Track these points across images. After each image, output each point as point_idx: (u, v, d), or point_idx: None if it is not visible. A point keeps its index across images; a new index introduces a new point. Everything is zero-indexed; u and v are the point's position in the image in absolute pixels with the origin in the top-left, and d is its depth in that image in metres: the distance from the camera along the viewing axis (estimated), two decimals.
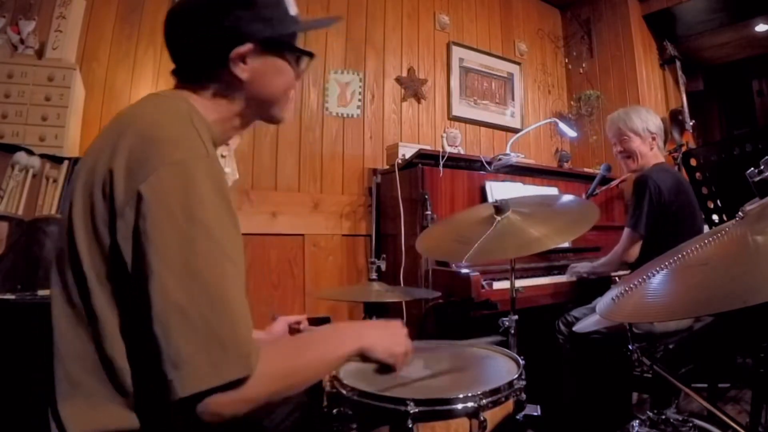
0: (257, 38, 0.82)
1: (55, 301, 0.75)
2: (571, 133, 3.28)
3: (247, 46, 0.82)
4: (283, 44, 0.87)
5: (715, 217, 1.36)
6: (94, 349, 0.71)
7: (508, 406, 0.99)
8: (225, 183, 0.72)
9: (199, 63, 0.83)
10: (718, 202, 1.34)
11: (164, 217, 0.66)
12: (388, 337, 0.89)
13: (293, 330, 1.19)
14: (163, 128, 0.73)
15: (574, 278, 2.23)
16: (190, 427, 0.69)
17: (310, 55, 0.91)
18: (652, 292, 0.81)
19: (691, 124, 3.46)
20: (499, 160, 2.53)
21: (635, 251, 1.97)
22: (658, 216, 1.92)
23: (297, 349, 0.78)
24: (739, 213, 0.84)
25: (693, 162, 1.38)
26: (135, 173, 0.68)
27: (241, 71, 0.83)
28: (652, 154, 2.11)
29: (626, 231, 1.99)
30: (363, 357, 0.85)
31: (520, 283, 2.01)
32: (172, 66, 0.87)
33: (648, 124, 2.10)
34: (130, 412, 0.71)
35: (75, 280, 0.73)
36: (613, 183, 2.91)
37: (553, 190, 2.74)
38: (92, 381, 0.71)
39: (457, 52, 3.26)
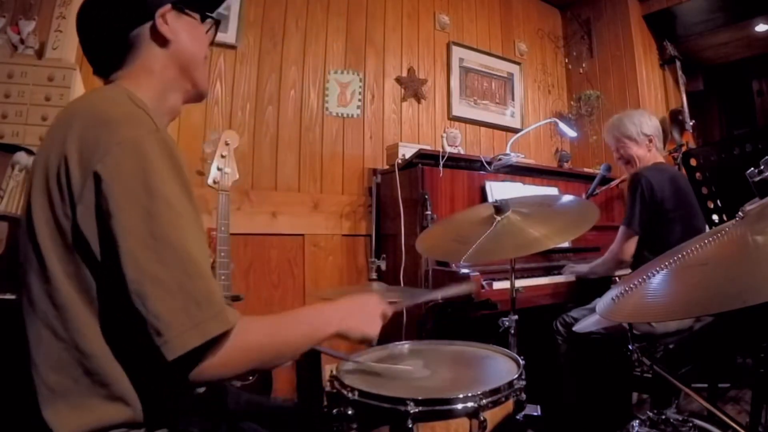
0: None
1: (24, 308, 0.76)
2: (571, 133, 3.28)
3: (167, 6, 0.86)
4: (192, 5, 0.91)
5: (715, 217, 1.36)
6: (64, 347, 0.71)
7: (508, 406, 0.99)
8: (177, 153, 0.73)
9: (120, 39, 0.85)
10: (718, 202, 1.34)
11: (125, 194, 0.67)
12: (364, 319, 0.91)
13: None
14: (108, 110, 0.74)
15: (572, 277, 2.23)
16: (176, 404, 0.73)
17: (216, 21, 0.96)
18: (652, 292, 0.81)
19: (691, 124, 3.46)
20: (499, 160, 2.53)
21: (631, 249, 1.99)
22: (652, 214, 1.93)
23: (279, 325, 0.80)
24: (739, 213, 0.84)
25: (693, 162, 1.38)
26: (89, 156, 0.69)
27: (167, 32, 0.86)
28: (650, 155, 2.12)
29: (621, 228, 2.02)
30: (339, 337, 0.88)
31: (520, 283, 2.01)
32: None
33: (642, 127, 2.11)
34: (112, 403, 0.71)
35: (40, 281, 0.73)
36: (613, 183, 2.91)
37: (553, 190, 2.74)
38: (67, 381, 0.71)
39: (457, 52, 3.26)
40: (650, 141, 2.12)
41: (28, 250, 0.75)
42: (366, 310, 0.93)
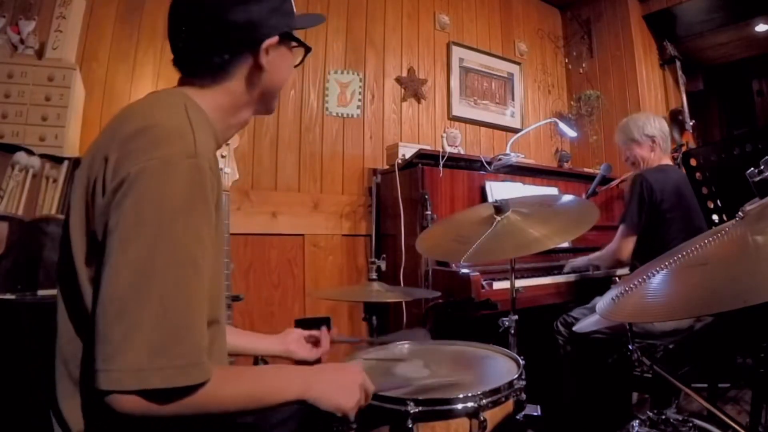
0: (279, 31, 0.86)
1: (59, 300, 0.75)
2: (571, 133, 3.28)
3: (274, 39, 0.85)
4: (293, 37, 0.90)
5: (715, 217, 1.36)
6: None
7: (508, 406, 0.99)
8: (206, 185, 0.70)
9: (217, 57, 0.82)
10: (718, 202, 1.34)
11: (133, 210, 0.64)
12: (338, 388, 0.80)
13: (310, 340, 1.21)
14: (156, 118, 0.72)
15: (572, 277, 2.24)
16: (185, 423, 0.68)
17: (309, 49, 0.95)
18: (652, 292, 0.81)
19: (691, 124, 3.46)
20: (499, 160, 2.53)
21: (628, 248, 2.01)
22: (650, 214, 1.96)
23: (240, 382, 0.73)
24: (739, 213, 0.84)
25: (693, 162, 1.38)
26: (123, 162, 0.67)
27: (266, 62, 0.85)
28: (654, 156, 2.15)
29: (619, 227, 2.06)
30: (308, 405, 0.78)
31: (520, 283, 2.01)
32: (172, 66, 0.87)
33: (645, 128, 2.16)
34: None
35: (70, 280, 0.73)
36: (613, 183, 2.91)
37: (553, 190, 2.74)
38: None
39: (457, 52, 3.26)
40: (653, 142, 2.15)
41: (65, 248, 0.74)
42: (343, 379, 0.82)
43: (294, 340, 1.19)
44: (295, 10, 0.92)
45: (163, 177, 0.66)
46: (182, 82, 0.86)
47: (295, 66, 0.95)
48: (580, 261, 2.32)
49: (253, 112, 0.92)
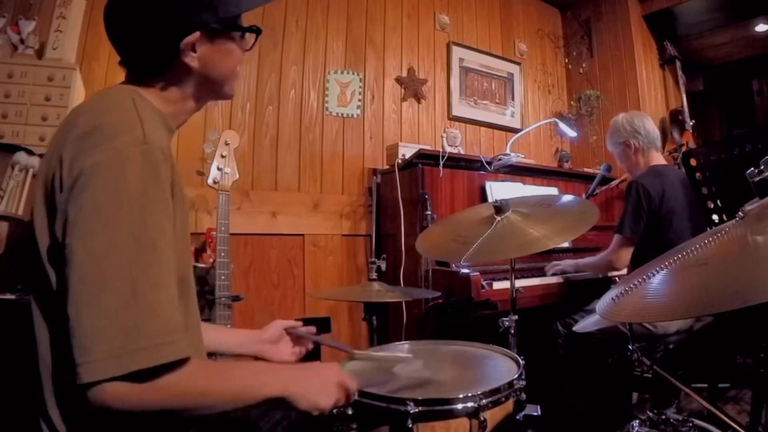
0: (204, 26, 0.83)
1: (32, 304, 0.75)
2: (571, 133, 3.28)
3: (195, 35, 0.82)
4: (228, 27, 0.87)
5: (715, 217, 1.35)
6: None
7: (508, 406, 0.99)
8: (159, 169, 0.72)
9: (147, 57, 0.83)
10: (718, 202, 1.34)
11: (90, 202, 0.66)
12: (316, 387, 0.80)
13: (289, 334, 1.17)
14: (105, 115, 0.74)
15: (571, 277, 2.22)
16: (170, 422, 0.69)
17: (257, 31, 0.92)
18: (652, 292, 0.81)
19: (691, 124, 3.46)
20: (499, 160, 2.53)
21: (624, 257, 1.96)
22: (648, 220, 1.91)
23: (220, 374, 0.74)
24: (739, 213, 0.84)
25: (693, 162, 1.38)
26: (77, 159, 0.69)
27: (192, 60, 0.83)
28: (647, 157, 2.10)
29: (615, 236, 1.99)
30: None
31: (520, 283, 2.01)
32: None
33: (633, 130, 2.09)
34: None
35: (39, 278, 0.73)
36: (613, 183, 2.91)
37: (553, 190, 2.74)
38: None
39: (457, 52, 3.26)
40: (641, 142, 2.09)
41: (33, 251, 0.74)
42: (320, 378, 0.83)
43: (271, 339, 1.13)
44: None
45: (116, 167, 0.68)
46: (128, 79, 0.86)
47: (246, 50, 0.92)
48: (565, 265, 2.23)
49: (204, 101, 0.91)
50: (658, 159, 2.12)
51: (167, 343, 0.65)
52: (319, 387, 0.81)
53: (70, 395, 0.68)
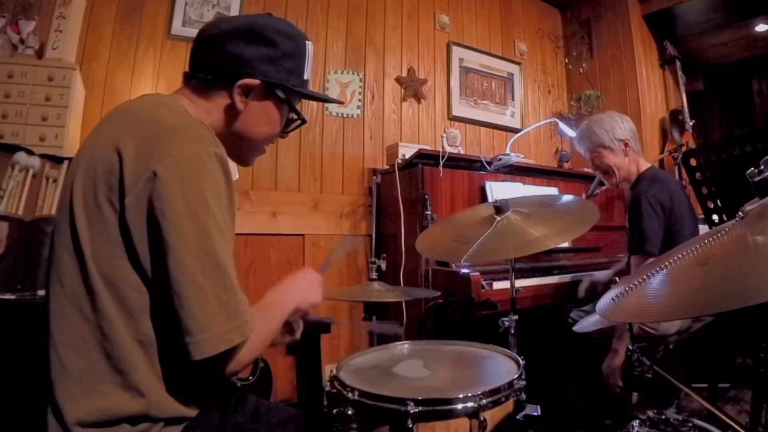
0: (268, 79, 0.89)
1: (51, 285, 0.77)
2: (571, 133, 3.26)
3: (255, 81, 0.88)
4: (286, 96, 0.93)
5: (715, 217, 1.35)
6: (88, 329, 0.73)
7: (508, 406, 0.99)
8: (229, 172, 0.79)
9: (211, 75, 0.88)
10: (718, 202, 1.34)
11: (180, 199, 0.72)
12: (309, 292, 0.98)
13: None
14: (169, 118, 0.79)
15: (569, 277, 2.21)
16: (191, 399, 0.79)
17: (304, 121, 1.00)
18: (652, 292, 0.80)
19: (691, 124, 3.46)
20: (499, 160, 2.53)
21: None
22: (665, 229, 1.80)
23: (268, 316, 0.86)
24: (739, 213, 0.83)
25: (693, 162, 1.37)
26: (148, 155, 0.73)
27: (240, 102, 0.89)
28: (629, 162, 1.95)
29: (633, 259, 1.81)
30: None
31: (520, 283, 2.01)
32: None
33: (614, 132, 1.93)
34: (126, 392, 0.73)
35: (73, 262, 0.75)
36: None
37: (553, 190, 2.74)
38: (84, 363, 0.73)
39: (457, 52, 3.26)
40: (626, 146, 1.93)
41: (64, 230, 0.77)
42: (308, 282, 1.00)
43: None
44: (307, 77, 0.95)
45: (201, 169, 0.75)
46: (180, 90, 0.92)
47: (283, 131, 0.99)
48: (599, 276, 2.12)
49: (226, 148, 0.93)
50: (644, 163, 2.00)
51: (250, 320, 0.77)
52: (310, 290, 0.99)
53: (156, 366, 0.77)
